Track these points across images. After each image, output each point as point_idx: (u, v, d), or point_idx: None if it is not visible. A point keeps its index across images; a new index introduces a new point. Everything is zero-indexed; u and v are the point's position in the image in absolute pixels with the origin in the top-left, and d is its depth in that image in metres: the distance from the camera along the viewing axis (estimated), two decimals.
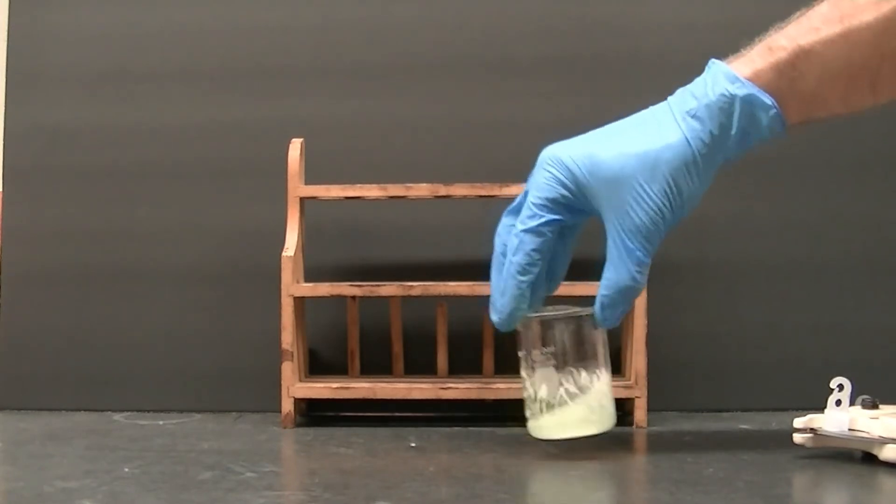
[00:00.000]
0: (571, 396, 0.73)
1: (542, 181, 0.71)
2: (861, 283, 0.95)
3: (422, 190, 0.89)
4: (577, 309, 0.74)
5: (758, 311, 0.95)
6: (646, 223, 0.69)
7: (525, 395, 0.74)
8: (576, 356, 0.73)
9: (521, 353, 0.74)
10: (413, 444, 0.78)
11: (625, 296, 0.70)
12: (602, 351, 0.74)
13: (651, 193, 0.69)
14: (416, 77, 0.98)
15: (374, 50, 0.98)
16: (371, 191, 0.89)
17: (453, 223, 0.95)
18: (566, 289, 0.85)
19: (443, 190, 0.89)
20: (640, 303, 0.85)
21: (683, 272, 0.95)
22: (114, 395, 0.96)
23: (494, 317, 0.73)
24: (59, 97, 0.99)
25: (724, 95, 0.68)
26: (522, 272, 0.71)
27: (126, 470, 0.68)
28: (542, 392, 0.73)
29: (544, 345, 0.73)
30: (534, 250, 0.71)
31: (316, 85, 0.98)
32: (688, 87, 0.71)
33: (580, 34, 0.98)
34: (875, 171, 0.96)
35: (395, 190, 0.89)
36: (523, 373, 0.74)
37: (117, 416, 0.93)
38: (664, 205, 0.69)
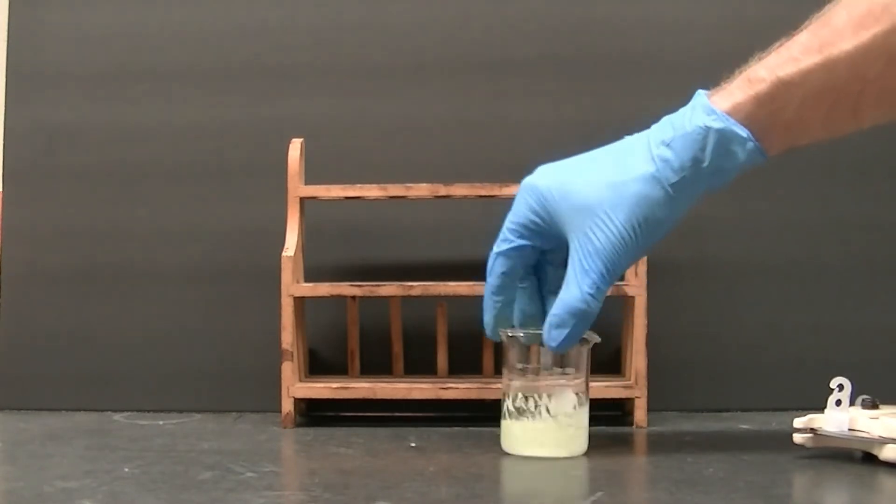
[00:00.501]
0: (539, 415, 0.72)
1: (518, 207, 0.73)
2: (861, 283, 0.95)
3: (422, 190, 0.89)
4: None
5: (758, 311, 0.95)
6: (606, 248, 0.69)
7: (509, 408, 0.74)
8: (554, 375, 0.73)
9: (504, 371, 0.75)
10: (413, 444, 0.78)
11: (574, 317, 0.70)
12: (579, 375, 0.73)
13: (616, 221, 0.69)
14: (416, 77, 0.98)
15: (374, 50, 0.98)
16: (371, 191, 0.89)
17: (453, 223, 0.95)
18: None
19: (443, 190, 0.89)
20: (640, 303, 0.85)
21: (683, 272, 0.95)
22: (114, 395, 0.96)
23: (484, 330, 0.76)
24: (59, 97, 0.99)
25: (699, 127, 0.68)
26: (495, 292, 0.74)
27: (126, 470, 0.68)
28: (523, 405, 0.73)
29: (520, 361, 0.74)
30: (503, 273, 0.73)
31: (316, 85, 0.98)
32: (670, 116, 0.71)
33: (580, 34, 0.98)
34: (875, 171, 0.96)
35: (395, 190, 0.89)
36: (513, 385, 0.74)
37: (117, 416, 0.93)
38: (628, 233, 0.69)
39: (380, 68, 0.98)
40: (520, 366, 0.73)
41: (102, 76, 0.99)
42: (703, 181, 0.69)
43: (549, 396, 0.72)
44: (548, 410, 0.72)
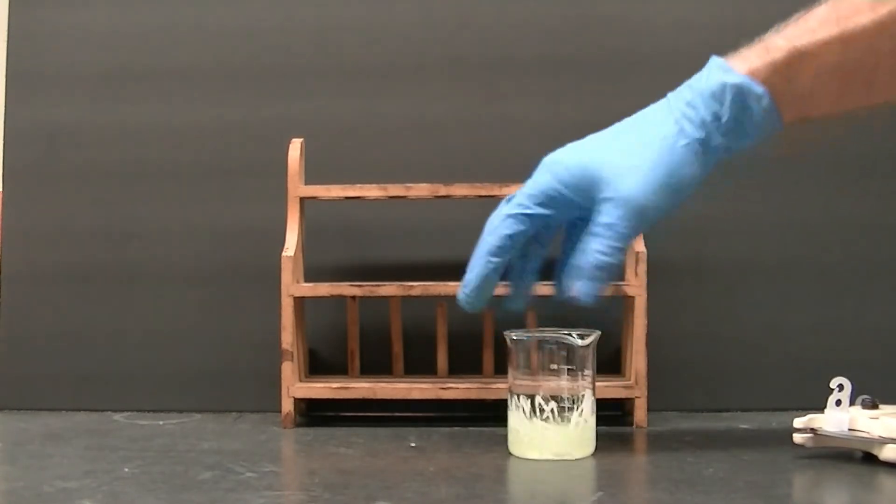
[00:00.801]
0: (552, 419, 0.72)
1: (540, 178, 0.73)
2: (861, 283, 0.95)
3: (422, 190, 0.89)
4: (567, 332, 0.73)
5: (758, 311, 0.95)
6: (629, 201, 0.69)
7: (512, 415, 0.74)
8: (564, 376, 0.72)
9: (510, 376, 0.74)
10: (413, 444, 0.78)
11: (601, 270, 0.69)
12: (589, 373, 0.73)
13: (639, 175, 0.69)
14: (416, 77, 0.98)
15: (374, 50, 0.98)
16: (371, 191, 0.89)
17: (453, 223, 0.95)
18: None
19: (443, 190, 0.89)
20: (640, 303, 0.85)
21: (683, 272, 0.95)
22: (114, 395, 0.96)
23: (460, 293, 0.73)
24: (59, 97, 0.99)
25: (716, 83, 0.69)
26: (493, 253, 0.72)
27: (126, 470, 0.68)
28: (535, 409, 0.73)
29: (531, 365, 0.73)
30: (509, 235, 0.72)
31: (316, 85, 0.98)
32: (688, 81, 0.72)
33: (580, 34, 0.98)
34: (875, 171, 0.96)
35: (395, 190, 0.89)
36: (514, 392, 0.74)
37: (117, 416, 0.93)
38: (651, 188, 0.69)
39: (380, 68, 0.98)
40: (553, 367, 0.72)
41: (102, 76, 0.99)
42: (724, 139, 0.70)
43: (580, 399, 0.72)
44: (580, 413, 0.72)
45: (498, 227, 0.72)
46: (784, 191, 0.96)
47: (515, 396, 0.73)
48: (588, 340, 0.73)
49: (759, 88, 0.69)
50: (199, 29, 0.99)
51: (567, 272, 0.71)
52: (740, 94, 0.69)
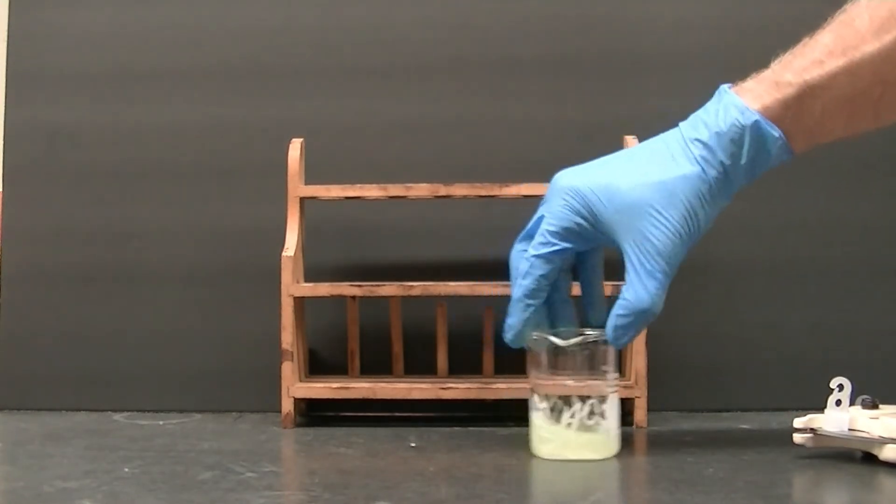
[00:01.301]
0: (583, 419, 0.72)
1: (558, 209, 0.72)
2: (861, 283, 0.95)
3: (422, 190, 0.89)
4: (592, 332, 0.73)
5: (758, 311, 0.95)
6: (666, 247, 0.70)
7: (535, 415, 0.74)
8: (589, 379, 0.72)
9: (533, 375, 0.74)
10: (413, 444, 0.78)
11: (641, 317, 0.71)
12: (615, 375, 0.74)
13: (670, 218, 0.70)
14: (416, 77, 0.98)
15: (374, 50, 0.98)
16: (371, 191, 0.89)
17: (453, 223, 0.95)
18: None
19: (443, 190, 0.89)
20: None
21: (683, 272, 0.94)
22: (114, 395, 0.96)
23: (505, 335, 0.74)
24: (59, 97, 0.99)
25: (735, 126, 0.69)
26: (530, 295, 0.73)
27: (126, 470, 0.68)
28: (562, 411, 0.72)
29: (556, 367, 0.73)
30: (542, 276, 0.72)
31: (316, 85, 0.98)
32: (698, 114, 0.72)
33: (581, 34, 0.98)
34: (875, 171, 0.96)
35: (395, 190, 0.89)
36: (539, 392, 0.73)
37: (117, 416, 0.93)
38: (682, 229, 0.70)
39: (380, 68, 0.98)
40: (583, 369, 0.72)
41: (102, 76, 0.99)
42: (739, 177, 0.71)
43: (603, 400, 0.72)
44: (602, 416, 0.72)
45: (529, 270, 0.72)
46: (784, 191, 0.96)
47: (535, 396, 0.73)
48: (571, 342, 0.72)
49: (776, 132, 0.69)
50: (199, 29, 0.99)
51: (594, 310, 0.74)
52: (759, 139, 0.69)
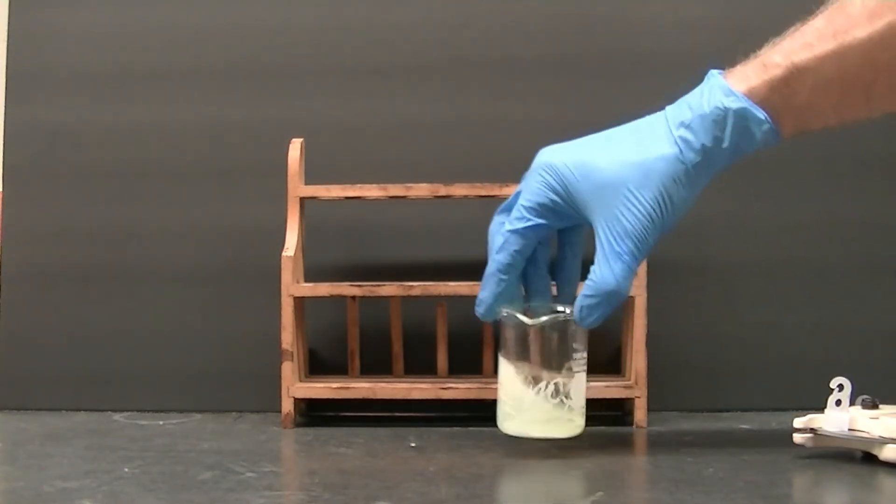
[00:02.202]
0: (547, 397, 0.73)
1: (535, 185, 0.73)
2: (861, 283, 0.95)
3: (422, 190, 0.89)
4: (561, 312, 0.74)
5: (758, 311, 0.95)
6: (636, 228, 0.70)
7: (508, 391, 0.74)
8: (559, 358, 0.73)
9: (503, 352, 0.75)
10: (413, 444, 0.78)
11: (608, 299, 0.71)
12: (584, 355, 0.74)
13: (643, 200, 0.70)
14: (416, 77, 0.98)
15: (374, 50, 0.98)
16: (371, 191, 0.89)
17: (453, 223, 0.95)
18: None
19: (443, 190, 0.89)
20: (640, 303, 0.85)
21: (683, 272, 0.95)
22: (114, 395, 0.96)
23: (477, 309, 0.75)
24: (59, 97, 0.99)
25: (718, 108, 0.69)
26: (503, 270, 0.73)
27: (126, 470, 0.68)
28: (518, 389, 0.73)
29: (524, 344, 0.73)
30: (516, 251, 0.73)
31: (316, 85, 0.98)
32: (685, 97, 0.72)
33: (580, 34, 0.98)
34: (875, 171, 0.96)
35: (395, 190, 0.89)
36: (507, 368, 0.74)
37: (117, 416, 0.93)
38: (655, 212, 0.70)
39: (380, 68, 0.98)
40: (550, 348, 0.73)
41: (102, 76, 0.99)
42: (721, 160, 0.70)
43: (569, 379, 0.73)
44: (567, 395, 0.73)
45: (504, 245, 0.73)
46: (784, 191, 0.96)
47: (502, 372, 0.74)
48: (537, 321, 0.73)
49: (760, 114, 0.69)
50: (199, 29, 0.99)
51: (566, 287, 0.73)
52: (742, 120, 0.69)
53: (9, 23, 1.00)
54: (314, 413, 0.93)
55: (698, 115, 0.70)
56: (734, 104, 0.69)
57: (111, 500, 0.60)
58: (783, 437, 0.74)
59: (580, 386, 0.73)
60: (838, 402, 0.71)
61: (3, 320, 0.98)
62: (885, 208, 0.96)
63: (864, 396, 0.72)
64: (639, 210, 0.69)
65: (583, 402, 0.74)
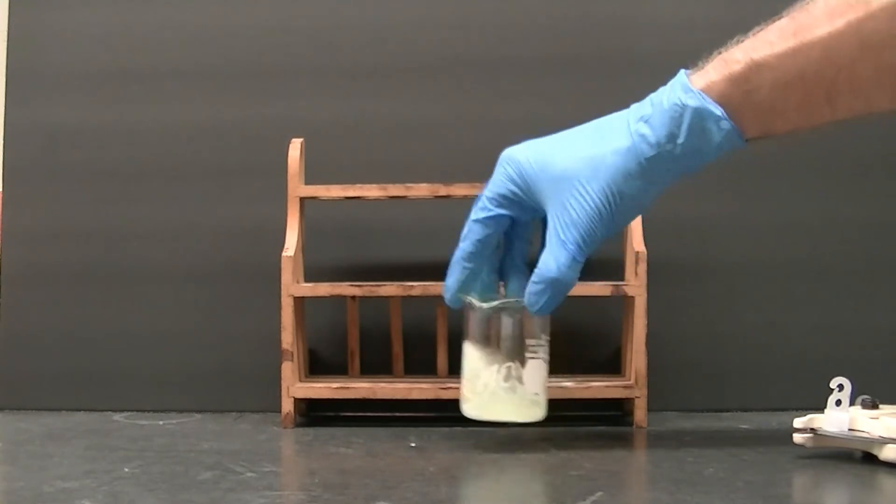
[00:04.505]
0: (500, 381, 0.74)
1: (497, 177, 0.75)
2: (861, 283, 0.95)
3: (422, 190, 0.89)
4: (511, 299, 0.75)
5: (758, 311, 0.95)
6: (582, 219, 0.71)
7: (465, 374, 0.75)
8: (513, 344, 0.74)
9: (465, 336, 0.76)
10: (413, 444, 0.78)
11: (551, 286, 0.72)
12: (541, 343, 0.75)
13: (591, 191, 0.71)
14: (416, 77, 0.98)
15: (374, 50, 0.98)
16: (371, 191, 0.89)
17: (453, 223, 0.94)
18: None
19: (443, 190, 0.89)
20: (640, 303, 0.85)
21: (683, 272, 0.95)
22: (114, 395, 0.96)
23: (444, 294, 0.76)
24: (59, 97, 0.99)
25: (675, 104, 0.70)
26: (467, 258, 0.75)
27: (126, 470, 0.68)
28: (472, 372, 0.75)
29: (479, 329, 0.75)
30: (478, 240, 0.75)
31: (316, 85, 0.98)
32: (652, 94, 0.73)
33: (580, 34, 0.98)
34: (875, 171, 0.96)
35: (395, 190, 0.89)
36: (466, 352, 0.75)
37: (117, 416, 0.93)
38: (602, 204, 0.71)
39: (380, 68, 0.98)
40: (504, 334, 0.74)
41: (102, 76, 0.99)
42: (679, 159, 0.71)
43: (523, 365, 0.74)
44: (520, 380, 0.74)
45: (467, 233, 0.75)
46: (784, 191, 0.96)
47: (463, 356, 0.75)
48: (486, 305, 0.74)
49: (717, 110, 0.69)
50: (199, 29, 0.99)
51: (528, 289, 0.73)
52: (698, 117, 0.69)
53: (9, 23, 1.00)
54: (314, 413, 0.93)
55: (658, 110, 0.71)
56: (691, 101, 0.69)
57: (111, 500, 0.60)
58: (783, 437, 0.74)
59: (535, 373, 0.74)
60: (838, 402, 0.71)
61: (3, 320, 0.98)
62: (885, 208, 0.96)
63: (864, 396, 0.72)
64: (586, 201, 0.71)
65: (538, 389, 0.75)
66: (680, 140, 0.70)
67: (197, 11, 0.99)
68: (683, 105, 0.69)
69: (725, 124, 0.69)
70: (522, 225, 0.76)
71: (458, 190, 0.88)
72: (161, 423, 0.89)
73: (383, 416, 0.91)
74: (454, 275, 0.75)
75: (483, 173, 0.92)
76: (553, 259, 0.71)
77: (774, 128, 0.71)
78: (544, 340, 0.75)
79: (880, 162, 0.96)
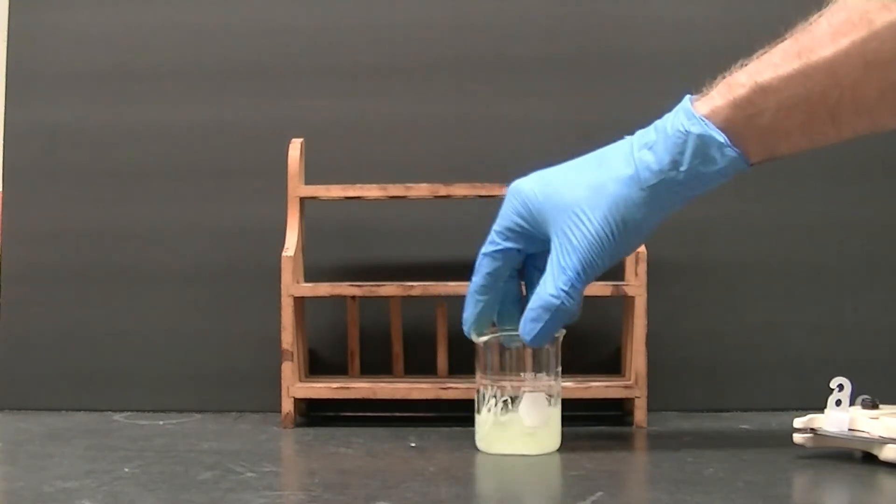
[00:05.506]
0: (497, 413, 0.74)
1: (505, 210, 0.74)
2: (861, 283, 0.95)
3: (422, 190, 0.89)
4: (506, 331, 0.75)
5: (758, 311, 0.95)
6: (583, 246, 0.70)
7: (480, 409, 0.75)
8: (510, 377, 0.74)
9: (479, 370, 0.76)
10: (413, 444, 0.78)
11: (549, 312, 0.71)
12: (543, 375, 0.74)
13: (593, 220, 0.70)
14: (416, 77, 0.98)
15: (374, 50, 0.98)
16: (371, 191, 0.89)
17: (453, 223, 0.95)
18: None
19: (443, 190, 0.89)
20: (640, 303, 0.85)
21: (683, 272, 0.95)
22: (114, 395, 0.96)
23: (463, 327, 0.76)
24: (59, 97, 0.99)
25: (679, 131, 0.70)
26: (479, 291, 0.75)
27: (126, 470, 0.68)
28: (482, 406, 0.75)
29: (481, 360, 0.75)
30: (488, 273, 0.74)
31: (316, 85, 0.98)
32: (657, 121, 0.72)
33: (580, 34, 0.98)
34: (875, 171, 0.96)
35: (395, 190, 0.89)
36: (479, 386, 0.76)
37: (117, 416, 0.93)
38: (605, 233, 0.70)
39: (380, 68, 0.98)
40: (494, 369, 0.74)
41: (102, 76, 0.99)
42: (682, 185, 0.70)
43: (520, 399, 0.73)
44: (516, 413, 0.73)
45: (478, 267, 0.75)
46: (784, 191, 0.96)
47: (487, 395, 0.75)
48: (481, 338, 0.75)
49: (720, 137, 0.69)
50: (198, 29, 0.99)
51: (524, 315, 0.73)
52: (702, 146, 0.69)
53: (9, 23, 1.00)
54: (314, 413, 0.93)
55: (661, 137, 0.70)
56: (695, 128, 0.69)
57: (111, 500, 0.60)
58: (783, 437, 0.74)
59: (535, 405, 0.74)
60: (838, 402, 0.71)
61: (3, 320, 0.98)
62: (885, 208, 0.96)
63: (864, 396, 0.72)
64: (587, 229, 0.70)
65: (535, 423, 0.74)
66: (683, 167, 0.69)
67: (197, 11, 0.99)
68: (687, 132, 0.69)
69: (729, 151, 0.69)
70: (539, 257, 0.75)
71: (458, 190, 0.88)
72: (161, 423, 0.89)
73: (383, 416, 0.91)
74: (468, 308, 0.75)
75: (483, 173, 0.92)
76: (551, 284, 0.71)
77: (778, 150, 0.71)
78: (550, 373, 0.74)
79: (880, 162, 0.96)
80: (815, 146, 0.71)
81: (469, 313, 0.75)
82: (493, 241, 0.74)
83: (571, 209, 0.71)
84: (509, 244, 0.74)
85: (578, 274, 0.70)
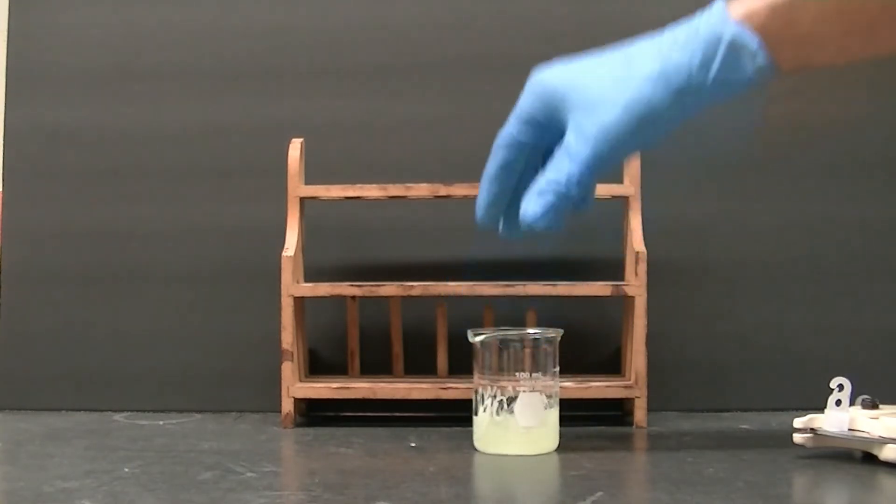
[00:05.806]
0: (493, 413, 0.74)
1: (523, 101, 0.73)
2: (861, 283, 0.95)
3: (422, 190, 0.89)
4: (535, 331, 0.75)
5: (758, 311, 0.95)
6: (598, 136, 0.68)
7: (478, 409, 0.75)
8: (506, 376, 0.74)
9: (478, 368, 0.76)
10: (413, 444, 0.78)
11: (554, 193, 0.69)
12: (531, 376, 0.74)
13: (612, 113, 0.68)
14: (416, 77, 0.98)
15: (374, 50, 0.98)
16: (371, 191, 0.89)
17: (453, 223, 0.95)
18: (566, 289, 0.85)
19: (443, 190, 0.89)
20: (640, 303, 0.85)
21: (683, 272, 0.95)
22: (114, 395, 0.96)
23: (476, 213, 0.75)
24: (59, 97, 0.99)
25: (711, 34, 0.67)
26: (491, 180, 0.73)
27: (126, 470, 0.68)
28: (478, 406, 0.75)
29: (478, 360, 0.75)
30: (501, 165, 0.73)
31: (316, 85, 0.98)
32: (688, 19, 0.70)
33: (580, 34, 0.97)
34: (874, 171, 0.96)
35: (395, 190, 0.89)
36: (476, 386, 0.76)
37: (117, 416, 0.93)
38: (622, 126, 0.68)
39: (380, 68, 0.98)
40: (492, 369, 0.74)
41: (102, 76, 0.99)
42: (708, 90, 0.68)
43: (516, 399, 0.73)
44: (511, 414, 0.73)
45: (492, 155, 0.73)
46: (784, 191, 0.96)
47: (484, 394, 0.75)
48: (478, 338, 0.75)
49: (753, 43, 0.66)
50: (198, 29, 0.99)
51: (528, 193, 0.71)
52: (734, 50, 0.67)
53: (9, 23, 1.00)
54: (314, 413, 0.93)
55: (692, 37, 0.68)
56: (728, 30, 0.67)
57: (111, 500, 0.60)
58: (783, 437, 0.74)
59: (530, 406, 0.74)
60: (838, 402, 0.71)
61: (3, 320, 0.98)
62: (886, 209, 0.96)
63: (864, 396, 0.72)
64: (604, 120, 0.68)
65: (530, 423, 0.74)
66: (712, 71, 0.67)
67: (197, 11, 0.99)
68: (719, 35, 0.67)
69: (761, 58, 0.67)
70: (551, 152, 0.73)
71: (458, 190, 0.88)
72: (161, 423, 0.89)
73: (383, 416, 0.91)
74: (481, 194, 0.74)
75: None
76: (567, 162, 0.69)
77: (811, 61, 0.68)
78: (548, 373, 0.74)
79: (880, 162, 0.96)
80: (848, 60, 0.69)
81: (482, 199, 0.74)
82: (510, 133, 0.73)
83: (592, 101, 0.69)
84: (522, 138, 0.72)
85: (588, 161, 0.68)
